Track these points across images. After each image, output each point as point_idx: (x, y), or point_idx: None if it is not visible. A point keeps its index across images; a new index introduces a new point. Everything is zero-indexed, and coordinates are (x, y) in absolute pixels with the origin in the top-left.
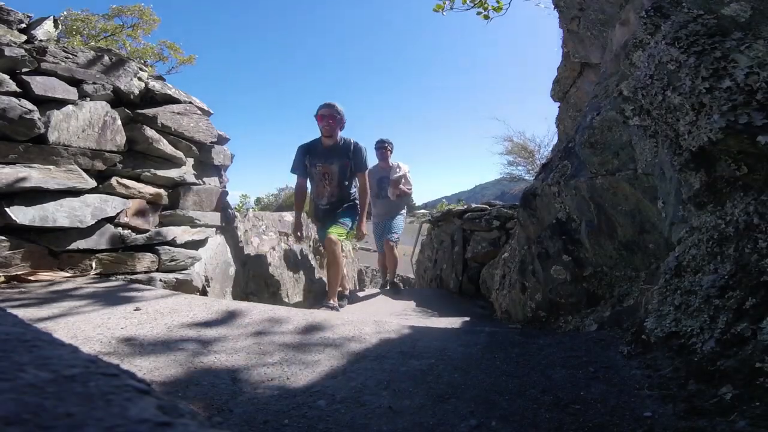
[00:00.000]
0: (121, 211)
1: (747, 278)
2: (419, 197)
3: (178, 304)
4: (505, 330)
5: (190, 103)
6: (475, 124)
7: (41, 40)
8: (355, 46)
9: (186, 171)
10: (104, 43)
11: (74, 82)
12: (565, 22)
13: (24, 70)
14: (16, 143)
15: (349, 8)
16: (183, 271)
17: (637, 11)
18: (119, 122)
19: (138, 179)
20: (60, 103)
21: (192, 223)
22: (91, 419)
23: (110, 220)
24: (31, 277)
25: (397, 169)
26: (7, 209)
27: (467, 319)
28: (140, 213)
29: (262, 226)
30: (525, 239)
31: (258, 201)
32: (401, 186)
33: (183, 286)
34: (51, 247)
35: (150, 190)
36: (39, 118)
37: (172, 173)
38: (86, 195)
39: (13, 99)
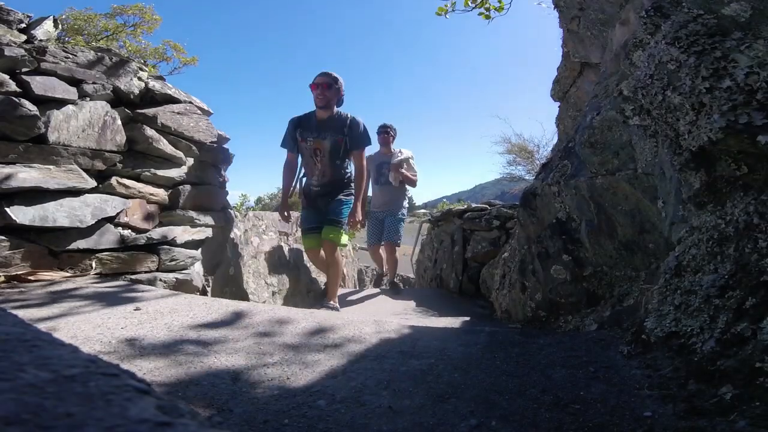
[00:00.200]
0: (121, 211)
1: (747, 278)
2: (419, 197)
3: (178, 303)
4: (505, 330)
5: (190, 102)
6: (475, 123)
7: (41, 40)
8: (356, 46)
9: (186, 171)
10: (105, 43)
11: (74, 81)
12: (565, 21)
13: (24, 70)
14: (16, 143)
15: (349, 8)
16: (183, 271)
17: (637, 11)
18: (119, 122)
19: (138, 179)
20: (60, 103)
21: (192, 222)
22: (91, 419)
23: (110, 219)
24: (31, 277)
25: (399, 154)
26: (7, 209)
27: (467, 318)
28: (140, 213)
29: (262, 226)
30: (525, 239)
31: (258, 200)
32: (403, 170)
33: (183, 286)
34: (51, 246)
35: (150, 189)
36: (39, 118)
37: (172, 173)
38: (86, 195)
39: (13, 99)
